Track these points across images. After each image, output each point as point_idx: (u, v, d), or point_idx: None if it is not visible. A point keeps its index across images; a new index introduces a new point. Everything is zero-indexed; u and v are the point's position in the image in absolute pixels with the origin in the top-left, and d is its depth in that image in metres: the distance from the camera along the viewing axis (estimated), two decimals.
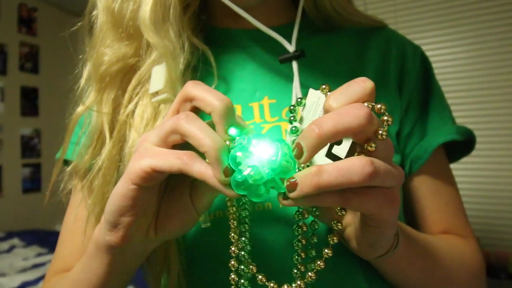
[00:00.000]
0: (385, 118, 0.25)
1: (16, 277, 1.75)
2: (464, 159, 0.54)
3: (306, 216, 0.30)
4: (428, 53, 0.55)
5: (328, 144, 0.27)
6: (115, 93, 0.43)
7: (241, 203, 0.33)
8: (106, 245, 0.32)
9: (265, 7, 0.48)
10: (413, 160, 0.47)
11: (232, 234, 0.32)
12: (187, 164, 0.27)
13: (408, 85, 0.49)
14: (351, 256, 0.37)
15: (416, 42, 0.55)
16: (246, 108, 0.44)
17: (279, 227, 0.38)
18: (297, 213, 0.30)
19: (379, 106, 0.26)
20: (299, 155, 0.25)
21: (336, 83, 0.28)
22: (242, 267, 0.32)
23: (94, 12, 0.45)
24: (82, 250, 0.40)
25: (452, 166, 0.52)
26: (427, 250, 0.40)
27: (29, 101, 2.93)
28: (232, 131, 0.28)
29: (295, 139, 0.28)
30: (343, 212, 0.28)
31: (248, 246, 0.33)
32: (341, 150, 0.27)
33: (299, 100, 0.30)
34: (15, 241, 2.33)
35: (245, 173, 0.25)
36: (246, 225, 0.33)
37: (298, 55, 0.41)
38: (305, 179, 0.24)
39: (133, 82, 0.43)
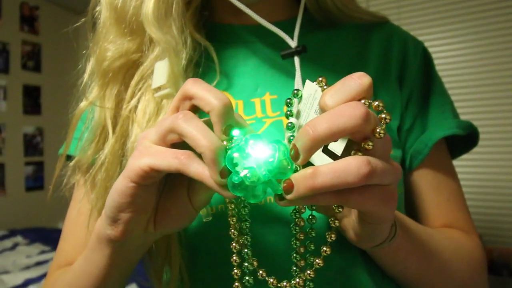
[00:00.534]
0: (383, 116, 0.25)
1: (19, 274, 1.75)
2: (467, 155, 0.53)
3: (303, 210, 0.30)
4: (431, 49, 0.55)
5: None
6: (118, 89, 0.43)
7: (240, 200, 0.33)
8: (106, 238, 0.32)
9: (267, 3, 0.49)
10: (413, 155, 0.47)
11: (232, 231, 0.32)
12: (184, 164, 0.27)
13: (409, 80, 0.49)
14: (351, 249, 0.37)
15: (420, 38, 0.55)
16: (247, 104, 0.44)
17: (279, 222, 0.39)
18: (294, 211, 0.30)
19: (376, 103, 0.25)
20: (295, 157, 0.25)
21: (338, 78, 0.27)
22: (245, 263, 0.32)
23: (98, 8, 0.46)
24: (84, 244, 0.41)
25: (455, 161, 0.52)
26: (425, 242, 0.39)
27: (32, 100, 2.93)
28: (236, 132, 0.27)
29: (291, 135, 0.27)
30: (340, 210, 0.27)
31: (249, 243, 0.33)
32: (337, 146, 0.26)
33: (295, 92, 0.30)
34: (18, 238, 2.33)
35: (242, 174, 0.25)
36: (247, 223, 0.33)
37: (300, 51, 0.41)
38: (301, 181, 0.24)
39: (136, 77, 0.43)
